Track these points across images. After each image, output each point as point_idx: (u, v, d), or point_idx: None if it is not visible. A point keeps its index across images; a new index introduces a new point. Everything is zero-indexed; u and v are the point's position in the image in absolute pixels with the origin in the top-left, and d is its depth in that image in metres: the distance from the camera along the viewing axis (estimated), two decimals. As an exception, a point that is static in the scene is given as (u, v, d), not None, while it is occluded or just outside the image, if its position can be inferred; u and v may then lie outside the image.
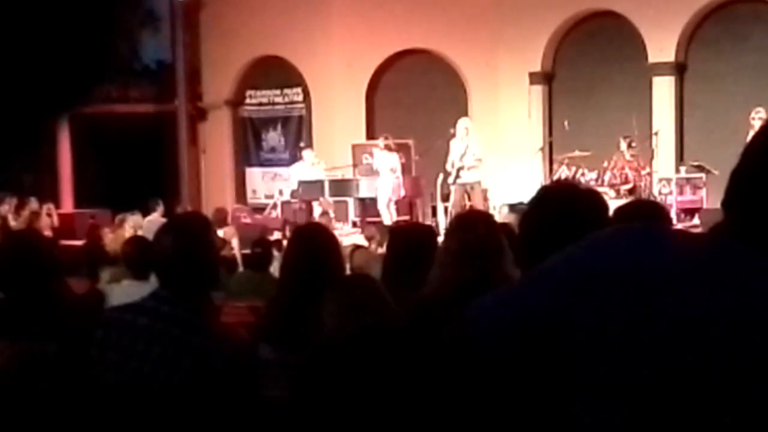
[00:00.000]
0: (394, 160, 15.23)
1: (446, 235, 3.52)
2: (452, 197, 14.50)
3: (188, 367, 2.75)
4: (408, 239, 4.21)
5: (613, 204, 3.20)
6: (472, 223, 3.41)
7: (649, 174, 14.36)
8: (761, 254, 1.26)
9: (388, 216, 14.86)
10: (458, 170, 14.27)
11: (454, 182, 14.39)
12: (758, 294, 1.23)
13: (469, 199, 14.34)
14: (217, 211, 13.31)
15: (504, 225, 4.26)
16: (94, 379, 2.92)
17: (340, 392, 2.97)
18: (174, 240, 2.91)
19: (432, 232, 4.50)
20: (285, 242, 7.85)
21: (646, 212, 3.26)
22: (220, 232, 9.45)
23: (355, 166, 16.97)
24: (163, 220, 9.16)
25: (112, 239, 10.61)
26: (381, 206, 15.10)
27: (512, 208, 13.22)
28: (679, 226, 13.74)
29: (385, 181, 15.14)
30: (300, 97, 19.12)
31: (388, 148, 15.28)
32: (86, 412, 3.02)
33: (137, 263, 5.72)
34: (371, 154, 16.21)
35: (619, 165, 14.21)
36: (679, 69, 16.43)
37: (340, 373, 3.00)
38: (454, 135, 14.46)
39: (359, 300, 3.28)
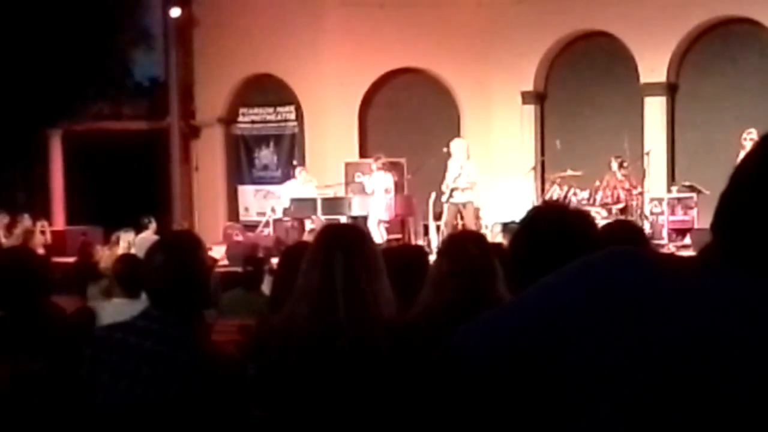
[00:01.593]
0: (389, 180, 15.23)
1: (438, 255, 3.52)
2: (444, 216, 14.50)
3: (178, 387, 2.74)
4: (398, 260, 4.20)
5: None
6: (464, 244, 3.41)
7: (641, 194, 14.38)
8: (751, 277, 1.26)
9: (378, 235, 14.84)
10: (452, 190, 14.28)
11: (447, 201, 14.40)
12: (751, 317, 1.23)
13: (462, 218, 14.33)
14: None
15: (496, 245, 4.27)
16: (84, 399, 2.90)
17: (321, 409, 2.95)
18: (165, 258, 2.91)
19: (422, 252, 4.50)
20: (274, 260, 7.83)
21: (623, 234, 3.25)
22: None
23: (347, 184, 16.96)
24: (156, 237, 9.13)
25: (107, 256, 10.59)
26: (371, 225, 15.09)
27: (505, 227, 13.22)
28: (671, 245, 13.79)
29: (378, 201, 15.13)
30: (293, 116, 19.12)
31: (383, 167, 15.28)
32: (76, 432, 3.00)
33: (128, 281, 5.67)
34: (365, 173, 16.19)
35: (611, 185, 14.24)
36: (670, 89, 16.49)
37: (323, 388, 2.98)
38: (448, 154, 14.47)
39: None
